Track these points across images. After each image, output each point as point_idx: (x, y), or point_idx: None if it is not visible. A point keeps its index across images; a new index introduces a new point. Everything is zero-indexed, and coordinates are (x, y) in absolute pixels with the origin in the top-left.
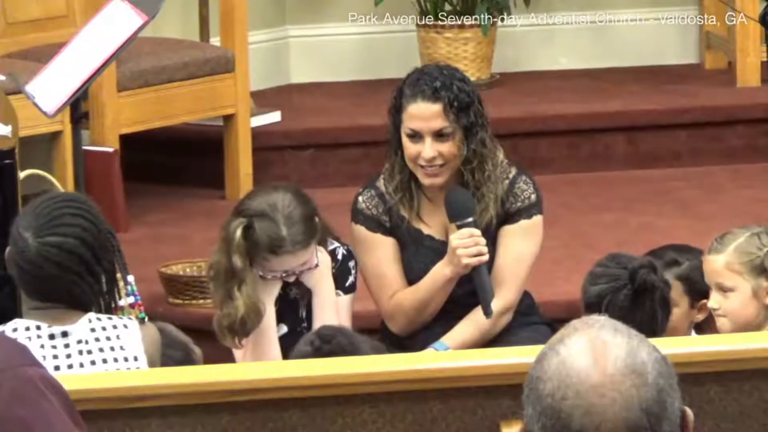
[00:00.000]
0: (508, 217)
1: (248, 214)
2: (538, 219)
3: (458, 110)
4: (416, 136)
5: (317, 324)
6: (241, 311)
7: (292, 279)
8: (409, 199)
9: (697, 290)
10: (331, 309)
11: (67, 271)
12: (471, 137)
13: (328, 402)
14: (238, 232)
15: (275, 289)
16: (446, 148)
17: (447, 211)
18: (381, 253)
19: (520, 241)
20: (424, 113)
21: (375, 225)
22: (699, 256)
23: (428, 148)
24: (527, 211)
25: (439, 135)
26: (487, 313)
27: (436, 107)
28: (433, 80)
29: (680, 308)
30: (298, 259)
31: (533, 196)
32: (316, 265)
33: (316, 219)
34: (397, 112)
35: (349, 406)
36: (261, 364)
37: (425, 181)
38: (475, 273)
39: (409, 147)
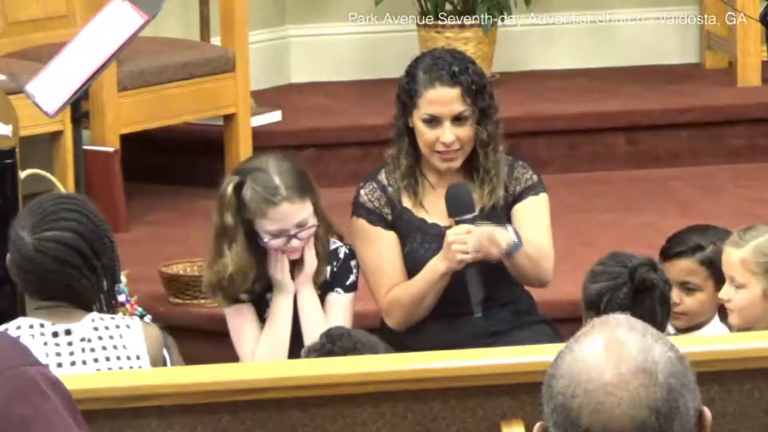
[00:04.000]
0: (515, 198)
1: (242, 174)
2: (544, 196)
3: (475, 93)
4: (434, 121)
5: (305, 324)
6: (229, 269)
7: (295, 246)
8: (413, 184)
9: (722, 273)
10: (314, 310)
11: (65, 265)
12: (487, 119)
13: (329, 401)
14: (230, 189)
15: (291, 285)
16: (464, 132)
17: (447, 206)
18: (381, 247)
19: (535, 213)
20: (443, 98)
21: (376, 218)
22: (722, 237)
23: (448, 133)
24: (533, 190)
25: (457, 119)
26: (476, 311)
27: (455, 91)
28: (450, 65)
29: (705, 293)
30: (294, 210)
31: (534, 177)
32: (317, 226)
33: (312, 185)
34: (409, 98)
35: (350, 406)
36: (261, 364)
37: (442, 165)
38: (467, 269)
39: (426, 133)
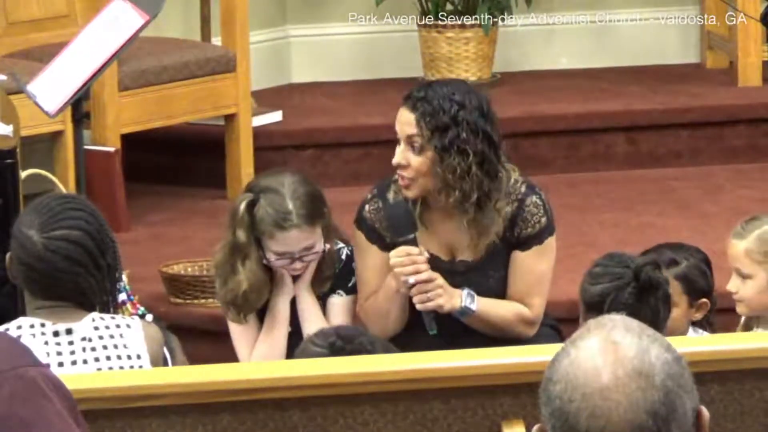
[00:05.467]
0: (519, 242)
1: (256, 191)
2: (549, 241)
3: (433, 128)
4: (398, 141)
5: (306, 327)
6: (243, 286)
7: (298, 268)
8: (413, 209)
9: (696, 289)
10: (315, 313)
11: (74, 263)
12: (441, 160)
13: (329, 401)
14: (243, 206)
15: (291, 288)
16: (416, 161)
17: (387, 227)
18: (370, 263)
19: (536, 263)
20: (402, 117)
21: (375, 237)
22: (695, 255)
23: (398, 153)
24: (538, 237)
25: (411, 145)
26: (430, 329)
27: (411, 116)
28: (423, 90)
29: (679, 308)
30: (303, 237)
31: (543, 220)
32: (324, 251)
33: (324, 209)
34: None
35: (350, 406)
36: (261, 364)
37: (401, 190)
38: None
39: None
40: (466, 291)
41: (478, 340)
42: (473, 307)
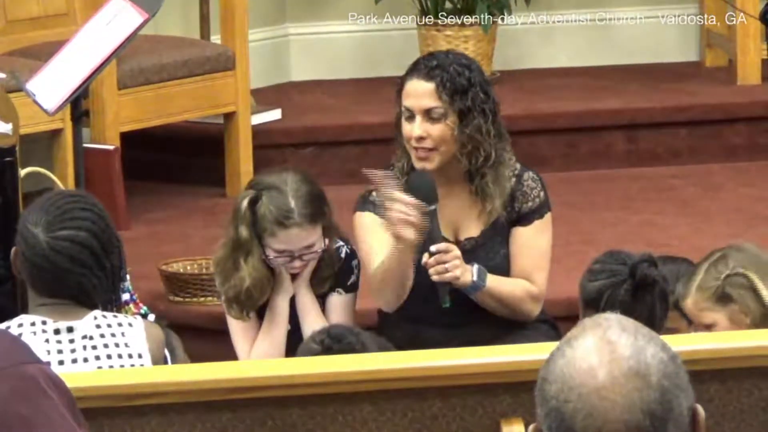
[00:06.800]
0: (521, 217)
1: (258, 188)
2: (548, 216)
3: (453, 92)
4: (411, 115)
5: (306, 325)
6: (246, 282)
7: (297, 266)
8: None
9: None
10: (313, 311)
11: (79, 264)
12: (466, 122)
13: (329, 400)
14: (245, 203)
15: (290, 286)
16: (437, 130)
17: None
18: (383, 239)
19: (538, 238)
20: (416, 91)
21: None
22: (685, 271)
23: (417, 127)
24: (539, 211)
25: (430, 115)
26: (444, 301)
27: (429, 86)
28: (431, 60)
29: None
30: (303, 235)
31: (542, 194)
32: (323, 251)
33: (326, 209)
34: (398, 93)
35: (350, 404)
36: (260, 362)
37: (417, 164)
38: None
39: (405, 127)
40: (476, 266)
41: (483, 328)
42: (484, 282)
